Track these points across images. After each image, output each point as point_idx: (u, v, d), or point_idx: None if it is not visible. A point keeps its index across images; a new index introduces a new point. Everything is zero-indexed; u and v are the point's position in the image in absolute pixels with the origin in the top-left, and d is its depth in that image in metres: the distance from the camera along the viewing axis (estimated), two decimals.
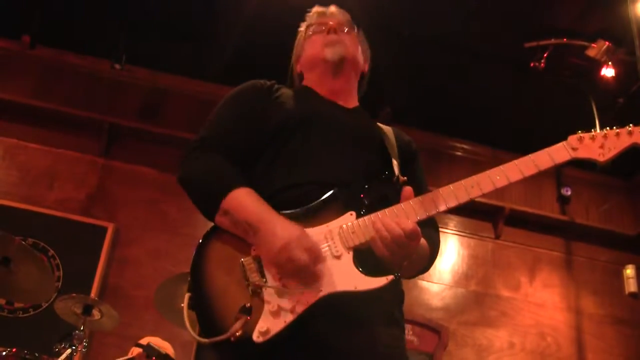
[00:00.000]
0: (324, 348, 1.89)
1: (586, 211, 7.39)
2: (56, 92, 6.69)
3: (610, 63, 5.91)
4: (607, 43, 5.74)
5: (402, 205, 1.94)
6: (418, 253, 1.96)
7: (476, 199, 1.96)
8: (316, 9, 2.58)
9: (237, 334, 1.83)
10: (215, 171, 2.10)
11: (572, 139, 1.93)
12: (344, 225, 1.94)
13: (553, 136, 6.64)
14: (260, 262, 1.93)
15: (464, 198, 1.96)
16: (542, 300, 6.96)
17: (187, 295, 1.98)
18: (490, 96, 6.46)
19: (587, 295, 7.07)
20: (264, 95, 2.30)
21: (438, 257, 2.25)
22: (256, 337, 1.83)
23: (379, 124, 2.40)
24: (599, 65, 5.95)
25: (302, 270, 1.86)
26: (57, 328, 4.92)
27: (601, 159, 1.90)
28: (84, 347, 4.57)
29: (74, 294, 4.73)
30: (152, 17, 6.18)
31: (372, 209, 1.96)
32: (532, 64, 5.97)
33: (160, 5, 6.01)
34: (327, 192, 2.00)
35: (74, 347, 4.43)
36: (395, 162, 2.18)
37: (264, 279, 1.90)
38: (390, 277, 1.85)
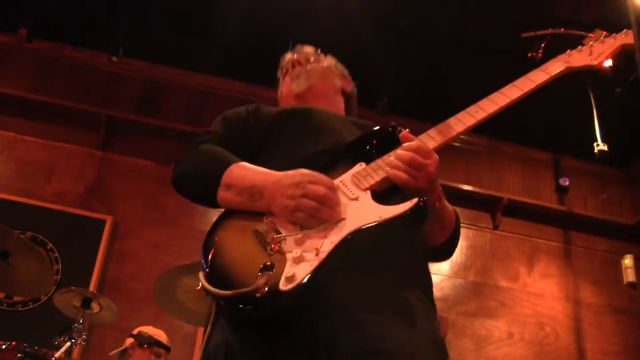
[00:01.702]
0: (347, 308, 1.73)
1: (584, 201, 7.40)
2: (53, 85, 6.67)
3: None
4: (604, 33, 5.73)
5: (414, 141, 1.88)
6: (445, 202, 1.94)
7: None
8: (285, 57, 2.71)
9: (262, 289, 1.64)
10: (208, 155, 2.07)
11: (561, 56, 2.01)
12: (355, 174, 1.89)
13: (550, 126, 6.68)
14: (275, 224, 1.81)
15: (471, 121, 1.96)
16: (540, 290, 6.98)
17: (201, 274, 1.79)
18: (487, 86, 6.43)
19: (586, 285, 7.09)
20: (251, 112, 2.32)
21: None
22: (283, 285, 1.63)
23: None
24: None
25: (323, 201, 1.76)
26: (57, 321, 4.92)
27: (594, 62, 1.98)
28: (84, 340, 4.58)
29: (72, 287, 4.74)
30: (149, 8, 6.17)
31: (379, 156, 1.92)
32: (529, 54, 5.96)
33: None
34: (331, 156, 2.00)
35: (73, 340, 4.44)
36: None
37: (281, 236, 1.76)
38: (415, 200, 1.70)
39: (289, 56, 2.66)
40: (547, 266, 7.11)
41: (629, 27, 1.79)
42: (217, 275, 1.76)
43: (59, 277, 5.85)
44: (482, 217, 7.10)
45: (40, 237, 5.99)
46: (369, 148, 1.97)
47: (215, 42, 6.33)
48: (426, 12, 5.69)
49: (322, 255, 1.67)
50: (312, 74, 2.53)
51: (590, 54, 1.96)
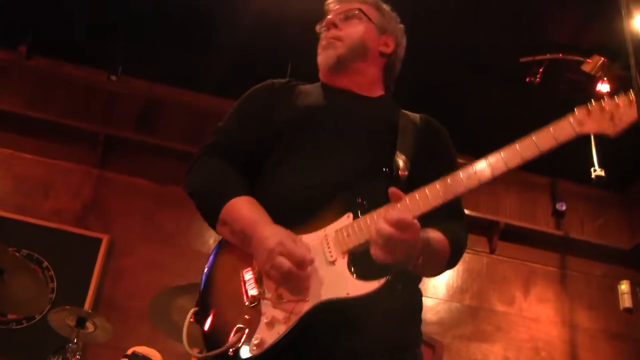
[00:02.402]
0: (323, 355, 1.85)
1: (581, 225, 7.39)
2: (52, 102, 6.68)
3: (605, 78, 5.93)
4: (602, 58, 5.75)
5: (397, 204, 1.82)
6: (431, 246, 1.86)
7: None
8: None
9: (235, 346, 1.83)
10: (214, 181, 2.12)
11: (580, 111, 1.72)
12: (340, 229, 1.89)
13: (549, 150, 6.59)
14: (260, 275, 1.92)
15: (460, 189, 1.82)
16: (536, 315, 6.95)
17: (192, 310, 2.00)
18: (484, 109, 6.46)
19: (582, 309, 7.07)
20: (273, 95, 2.28)
21: None
22: (251, 349, 1.81)
23: (406, 112, 2.28)
24: (594, 80, 5.97)
25: (287, 278, 1.82)
26: (51, 340, 4.91)
27: (611, 131, 1.67)
28: (77, 359, 4.56)
29: (67, 306, 4.72)
30: (148, 27, 6.19)
31: (368, 209, 1.88)
32: (527, 79, 5.99)
33: (157, 17, 6.01)
34: (327, 196, 1.96)
35: None
36: (401, 158, 2.05)
37: (262, 290, 1.89)
38: (383, 280, 1.76)
39: (326, 4, 2.47)
40: (543, 290, 7.09)
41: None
42: (203, 313, 1.96)
43: (54, 295, 5.83)
44: (479, 241, 7.09)
45: (36, 255, 5.98)
46: (360, 199, 1.93)
47: (215, 62, 6.36)
48: (426, 33, 5.71)
49: (289, 325, 1.80)
50: (343, 46, 2.31)
51: (612, 119, 1.66)
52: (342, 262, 1.84)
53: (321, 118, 2.18)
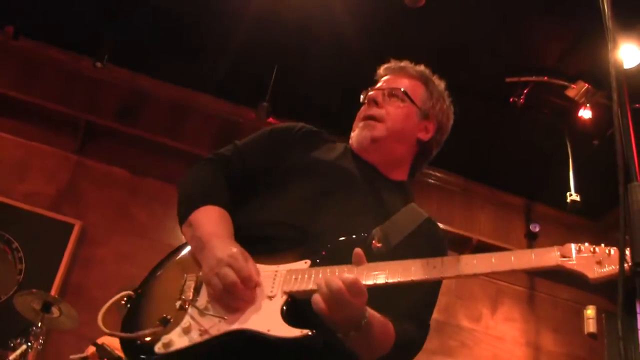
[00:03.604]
0: None
1: None
2: (36, 85, 6.63)
3: (588, 105, 5.98)
4: (587, 85, 5.80)
5: (357, 267, 1.79)
6: (371, 328, 1.77)
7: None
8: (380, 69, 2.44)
9: (144, 338, 1.85)
10: (200, 184, 2.17)
11: (570, 247, 1.68)
12: (293, 270, 1.87)
13: (526, 172, 6.69)
14: (201, 284, 1.92)
15: (434, 275, 1.75)
16: (502, 334, 7.00)
17: (127, 292, 2.03)
18: (467, 127, 6.47)
19: (547, 332, 7.12)
20: (299, 137, 2.29)
21: None
22: (158, 347, 1.82)
23: (414, 205, 2.20)
24: (577, 106, 6.03)
25: (226, 291, 1.81)
26: (15, 323, 4.87)
27: (592, 276, 1.62)
28: (40, 344, 4.53)
29: (34, 290, 4.70)
30: (138, 19, 6.16)
31: (328, 263, 1.85)
32: (511, 99, 6.03)
33: (149, 9, 5.98)
34: (297, 239, 1.96)
35: (29, 344, 4.40)
36: (383, 232, 1.99)
37: (196, 298, 1.90)
38: (306, 331, 1.70)
39: (379, 73, 2.41)
40: (510, 310, 7.14)
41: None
42: (133, 304, 2.00)
43: (22, 277, 5.78)
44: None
45: (7, 235, 5.93)
46: (325, 252, 1.91)
47: (202, 59, 6.35)
48: (410, 49, 5.73)
49: (204, 338, 1.80)
50: (382, 129, 2.24)
51: (600, 263, 1.61)
52: (279, 301, 1.82)
53: (327, 173, 2.19)
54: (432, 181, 7.31)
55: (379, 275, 1.77)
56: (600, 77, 5.72)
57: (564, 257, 1.66)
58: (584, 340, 7.10)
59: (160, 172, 6.56)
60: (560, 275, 7.17)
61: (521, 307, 7.19)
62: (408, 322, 1.96)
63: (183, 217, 2.09)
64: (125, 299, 2.03)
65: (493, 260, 1.71)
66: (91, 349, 4.92)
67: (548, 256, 1.67)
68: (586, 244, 1.67)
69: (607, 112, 5.80)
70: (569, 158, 6.40)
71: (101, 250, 6.20)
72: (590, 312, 7.14)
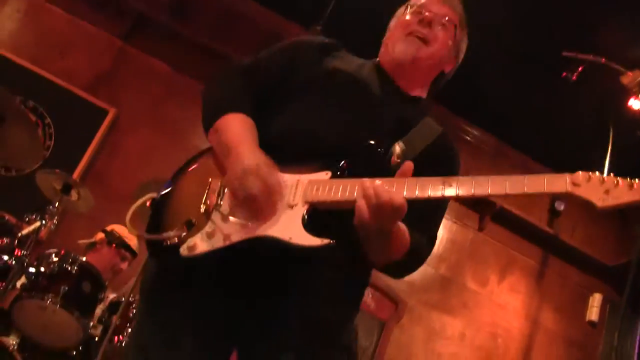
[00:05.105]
0: (235, 293, 1.95)
1: (572, 230, 7.38)
2: None
3: None
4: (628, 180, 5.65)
5: (393, 179, 1.82)
6: (394, 235, 1.85)
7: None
8: None
9: (169, 240, 1.92)
10: (226, 93, 2.19)
11: (580, 174, 1.71)
12: (314, 180, 1.92)
13: (562, 147, 6.58)
14: (225, 188, 1.97)
15: (450, 192, 1.78)
16: (504, 302, 7.01)
17: (151, 195, 2.11)
18: (512, 90, 6.40)
19: (549, 310, 7.12)
20: (318, 49, 2.32)
21: None
22: (183, 249, 1.89)
23: (430, 120, 2.27)
24: (629, 94, 5.89)
25: (250, 200, 1.86)
26: (34, 197, 4.94)
27: (600, 203, 1.66)
28: (54, 224, 4.60)
29: (57, 170, 4.74)
30: None
31: (348, 175, 1.92)
32: (564, 74, 5.90)
33: None
34: (317, 148, 2.01)
35: (43, 222, 4.46)
36: (400, 147, 2.07)
37: (220, 202, 1.95)
38: (327, 240, 1.77)
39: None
40: (517, 281, 7.13)
41: None
42: (158, 206, 2.07)
43: (49, 153, 5.84)
44: (470, 215, 7.10)
45: (41, 109, 5.97)
46: (344, 162, 1.95)
47: None
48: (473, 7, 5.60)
49: (226, 243, 1.87)
50: (429, 52, 2.29)
51: (607, 192, 1.66)
52: (300, 210, 1.87)
53: (348, 83, 2.22)
54: (468, 137, 7.23)
55: (424, 190, 1.78)
56: None
57: (575, 184, 1.68)
58: (583, 326, 7.10)
59: (201, 74, 6.50)
60: (574, 257, 7.15)
61: (529, 281, 7.18)
62: (421, 233, 2.03)
63: (209, 124, 2.12)
64: (149, 201, 2.10)
65: (507, 183, 1.74)
66: (100, 235, 5.01)
67: (559, 183, 1.70)
68: (597, 173, 1.70)
69: None
70: (608, 144, 6.29)
71: (129, 141, 6.23)
72: (595, 300, 7.13)
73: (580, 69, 5.86)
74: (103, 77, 6.37)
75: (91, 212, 5.03)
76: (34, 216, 4.45)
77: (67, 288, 4.27)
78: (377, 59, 2.39)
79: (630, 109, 5.95)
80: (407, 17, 2.35)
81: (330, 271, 2.00)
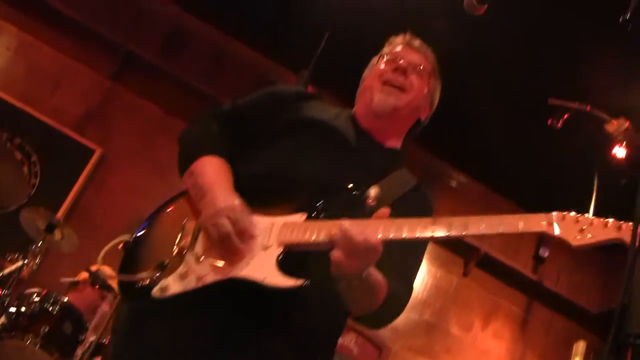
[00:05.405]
0: (207, 333, 1.91)
1: (557, 276, 7.38)
2: (86, 2, 6.58)
3: (624, 144, 5.90)
4: (628, 123, 5.72)
5: (369, 220, 1.81)
6: (370, 283, 1.83)
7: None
8: (401, 37, 2.46)
9: (142, 282, 1.93)
10: (202, 136, 2.23)
11: (554, 214, 1.72)
12: (289, 223, 1.91)
13: (546, 193, 6.59)
14: (199, 232, 1.99)
15: (426, 232, 1.78)
16: (488, 348, 6.98)
17: (124, 237, 2.15)
18: (498, 136, 6.44)
19: (533, 357, 7.09)
20: (295, 97, 2.35)
21: None
22: (155, 291, 1.89)
23: (405, 171, 2.29)
24: (613, 142, 5.94)
25: (223, 239, 1.86)
26: (16, 236, 4.91)
27: (574, 242, 1.66)
28: (36, 264, 4.57)
29: (41, 209, 4.72)
30: None
31: (323, 217, 1.92)
32: (549, 121, 5.96)
33: None
34: (292, 191, 2.01)
35: (26, 261, 4.43)
36: (376, 191, 2.04)
37: (193, 244, 1.96)
38: (301, 280, 1.76)
39: (403, 44, 2.42)
40: (502, 327, 7.11)
41: None
42: (133, 248, 2.08)
43: (34, 191, 5.81)
44: (455, 261, 7.09)
45: (28, 147, 5.96)
46: (320, 204, 1.95)
47: (255, 11, 6.30)
48: (468, 54, 5.67)
49: (199, 284, 1.87)
50: (405, 100, 2.30)
51: (582, 231, 1.67)
52: (274, 251, 1.86)
53: (324, 131, 2.24)
54: (454, 184, 7.27)
55: (381, 230, 1.77)
56: None
57: (550, 224, 1.69)
58: None
59: (190, 115, 6.53)
60: (558, 304, 7.13)
61: (513, 327, 7.16)
62: (398, 281, 2.00)
63: (184, 167, 2.14)
64: (122, 244, 2.11)
65: (483, 223, 1.75)
66: (83, 275, 4.97)
67: (535, 222, 1.71)
68: (572, 213, 1.71)
69: None
70: (592, 191, 6.33)
71: (116, 180, 6.22)
72: (580, 347, 7.10)
73: (565, 116, 5.91)
74: (91, 116, 6.38)
75: (75, 249, 5.00)
76: (16, 255, 4.43)
77: (47, 329, 4.24)
78: (353, 110, 2.41)
79: (614, 157, 6.00)
80: (382, 66, 2.36)
81: (306, 315, 1.97)
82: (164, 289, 1.88)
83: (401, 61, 2.34)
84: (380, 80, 2.32)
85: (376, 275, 1.85)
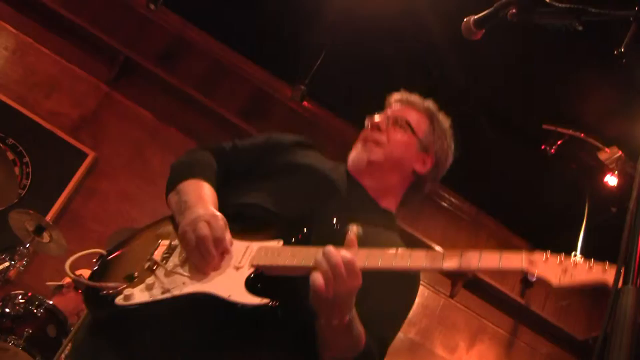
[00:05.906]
0: (170, 347, 1.84)
1: (544, 302, 7.39)
2: (87, 7, 6.60)
3: (616, 172, 5.93)
4: (620, 152, 5.75)
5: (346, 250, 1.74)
6: (353, 325, 1.77)
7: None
8: (392, 95, 2.48)
9: (106, 290, 1.89)
10: (194, 163, 2.23)
11: (536, 253, 1.66)
12: (264, 247, 1.88)
13: (538, 220, 6.59)
14: (173, 249, 1.96)
15: (405, 264, 1.73)
16: None
17: (99, 251, 2.13)
18: (491, 159, 6.46)
19: None
20: (291, 146, 2.36)
21: None
22: (118, 299, 1.84)
23: (397, 237, 2.24)
24: (605, 170, 5.98)
25: (199, 243, 1.83)
26: (4, 237, 4.89)
27: (555, 282, 1.61)
28: (23, 265, 4.56)
29: (30, 211, 4.71)
30: None
31: (303, 244, 1.86)
32: (543, 146, 5.99)
33: None
34: (272, 223, 2.00)
35: (13, 262, 4.42)
36: (357, 228, 1.88)
37: (166, 260, 1.93)
38: (267, 300, 1.70)
39: (387, 102, 2.46)
40: (487, 350, 7.11)
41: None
42: (105, 260, 2.06)
43: (24, 192, 5.80)
44: (442, 281, 7.10)
45: (21, 147, 5.96)
46: (300, 235, 1.91)
47: (255, 24, 6.33)
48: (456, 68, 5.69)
49: (165, 296, 1.82)
50: (377, 152, 2.30)
51: (565, 271, 1.62)
52: (245, 272, 1.82)
53: (319, 179, 2.23)
54: (445, 204, 7.28)
55: (374, 260, 1.74)
56: (636, 148, 5.67)
57: (531, 262, 1.63)
58: None
59: (184, 124, 6.57)
60: (544, 328, 7.13)
61: (498, 350, 7.16)
62: (374, 342, 1.93)
63: (171, 189, 2.14)
64: (97, 256, 2.10)
65: (461, 258, 1.69)
66: (68, 279, 4.96)
67: (514, 259, 1.66)
68: (555, 254, 1.66)
69: (632, 183, 5.74)
70: (583, 219, 6.35)
71: (106, 186, 6.22)
72: None
73: (559, 142, 5.95)
74: (86, 120, 6.39)
75: (64, 253, 4.99)
76: (3, 256, 4.42)
77: (31, 331, 4.22)
78: (346, 164, 2.39)
79: (606, 185, 6.04)
80: (367, 126, 2.40)
81: (271, 345, 1.90)
82: (127, 297, 1.83)
83: (375, 120, 2.37)
84: (360, 139, 2.37)
85: (358, 326, 1.81)
